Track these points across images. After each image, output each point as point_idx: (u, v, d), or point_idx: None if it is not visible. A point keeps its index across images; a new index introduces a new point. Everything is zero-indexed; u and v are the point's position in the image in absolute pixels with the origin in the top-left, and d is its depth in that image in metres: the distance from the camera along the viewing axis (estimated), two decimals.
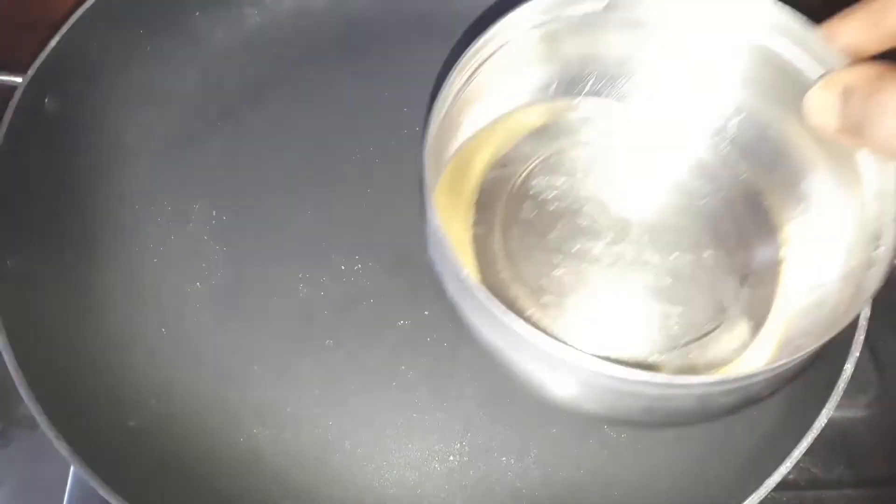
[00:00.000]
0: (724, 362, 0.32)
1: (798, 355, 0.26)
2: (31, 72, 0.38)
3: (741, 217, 0.34)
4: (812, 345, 0.27)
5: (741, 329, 0.32)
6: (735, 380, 0.26)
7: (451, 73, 0.29)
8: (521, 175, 0.34)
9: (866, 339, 0.33)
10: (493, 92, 0.33)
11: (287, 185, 0.42)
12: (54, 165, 0.40)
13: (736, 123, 0.34)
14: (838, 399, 0.33)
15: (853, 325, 0.33)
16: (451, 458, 0.37)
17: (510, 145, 0.35)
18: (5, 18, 0.43)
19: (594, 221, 0.33)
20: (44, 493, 0.41)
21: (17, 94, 0.38)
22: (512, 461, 0.36)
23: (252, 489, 0.36)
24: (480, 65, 0.31)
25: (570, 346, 0.26)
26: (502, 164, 0.34)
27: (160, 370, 0.38)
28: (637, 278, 0.33)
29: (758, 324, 0.32)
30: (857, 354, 0.33)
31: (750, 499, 0.32)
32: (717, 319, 0.32)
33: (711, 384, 0.26)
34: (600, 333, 0.32)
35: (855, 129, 0.26)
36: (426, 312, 0.39)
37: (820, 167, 0.32)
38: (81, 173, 0.41)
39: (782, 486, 0.32)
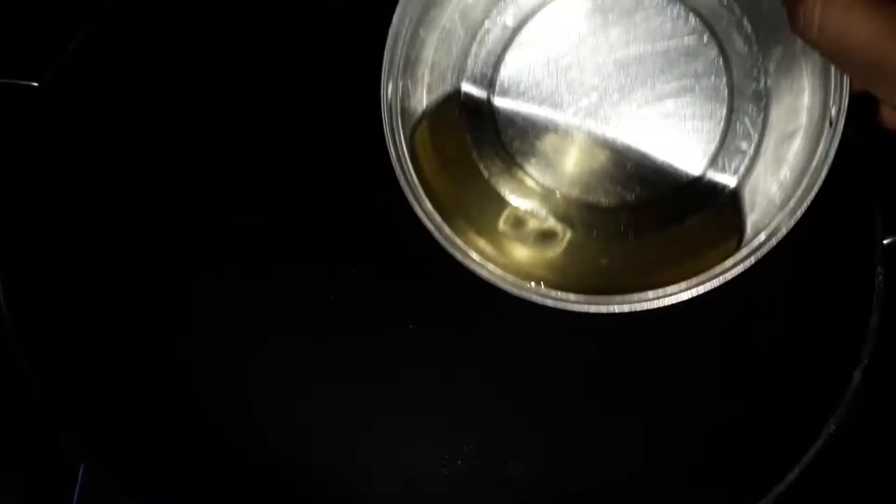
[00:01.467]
0: (722, 191, 0.33)
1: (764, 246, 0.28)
2: (48, 75, 0.39)
3: (726, 50, 0.33)
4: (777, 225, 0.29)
5: (730, 164, 0.33)
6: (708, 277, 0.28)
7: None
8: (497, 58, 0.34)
9: (875, 346, 0.33)
10: None
11: (302, 185, 0.42)
12: (72, 169, 0.40)
13: None
14: (846, 407, 0.33)
15: (862, 333, 0.33)
16: (459, 461, 0.37)
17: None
18: (25, 23, 0.44)
19: (573, 86, 0.34)
20: (53, 492, 0.42)
21: (35, 99, 0.38)
22: (521, 464, 0.37)
23: (263, 488, 0.36)
24: None
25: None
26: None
27: (172, 370, 0.38)
28: (629, 125, 0.33)
29: (745, 156, 0.33)
30: (866, 362, 0.33)
31: None
32: (706, 157, 0.33)
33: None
34: (589, 183, 0.34)
35: (805, 29, 0.26)
36: (434, 316, 0.39)
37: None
38: (98, 176, 0.41)
39: (789, 492, 0.33)
